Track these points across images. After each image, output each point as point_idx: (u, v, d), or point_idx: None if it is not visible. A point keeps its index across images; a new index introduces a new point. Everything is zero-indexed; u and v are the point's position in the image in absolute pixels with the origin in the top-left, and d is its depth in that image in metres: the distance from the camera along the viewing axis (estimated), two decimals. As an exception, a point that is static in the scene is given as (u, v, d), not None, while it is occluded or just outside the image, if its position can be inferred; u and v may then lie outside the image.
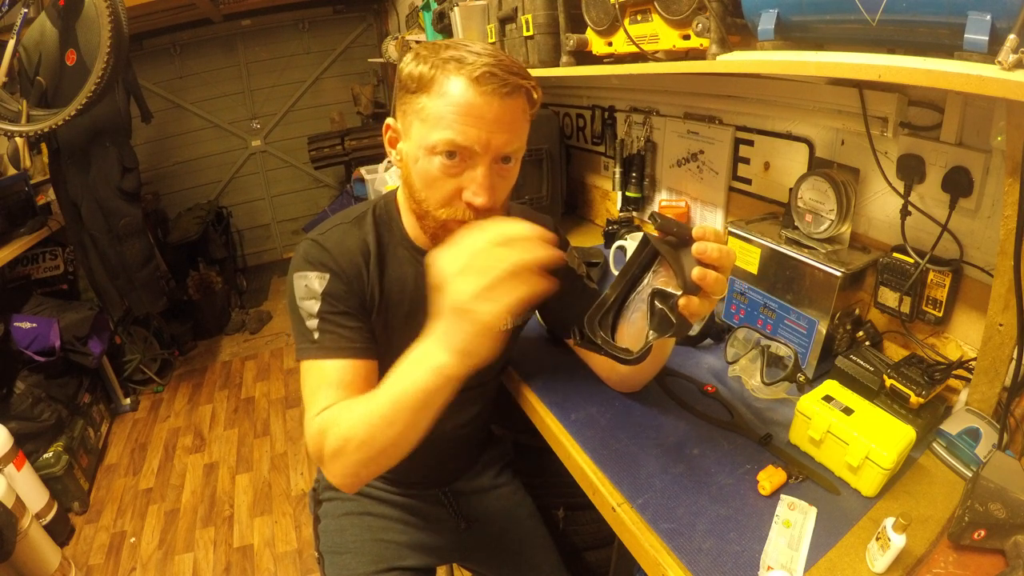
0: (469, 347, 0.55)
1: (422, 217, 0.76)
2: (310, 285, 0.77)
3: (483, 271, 0.52)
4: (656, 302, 0.63)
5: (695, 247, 0.60)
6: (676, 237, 0.62)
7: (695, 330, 1.12)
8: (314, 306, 0.76)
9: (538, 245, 0.54)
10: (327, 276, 0.77)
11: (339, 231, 0.82)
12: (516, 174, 0.77)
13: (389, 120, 0.79)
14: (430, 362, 0.57)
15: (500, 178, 0.73)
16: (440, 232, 0.75)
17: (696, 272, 0.59)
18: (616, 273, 1.46)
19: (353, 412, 0.65)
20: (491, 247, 0.53)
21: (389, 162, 2.16)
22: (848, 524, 0.72)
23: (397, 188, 0.86)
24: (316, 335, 0.76)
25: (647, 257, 0.68)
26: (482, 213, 0.72)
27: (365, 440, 0.63)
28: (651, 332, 0.63)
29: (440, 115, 0.68)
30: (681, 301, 0.60)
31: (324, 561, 0.98)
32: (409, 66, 0.72)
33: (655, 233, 0.66)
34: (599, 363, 0.97)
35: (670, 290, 0.62)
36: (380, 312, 0.82)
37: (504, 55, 0.71)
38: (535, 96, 0.73)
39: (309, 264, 0.78)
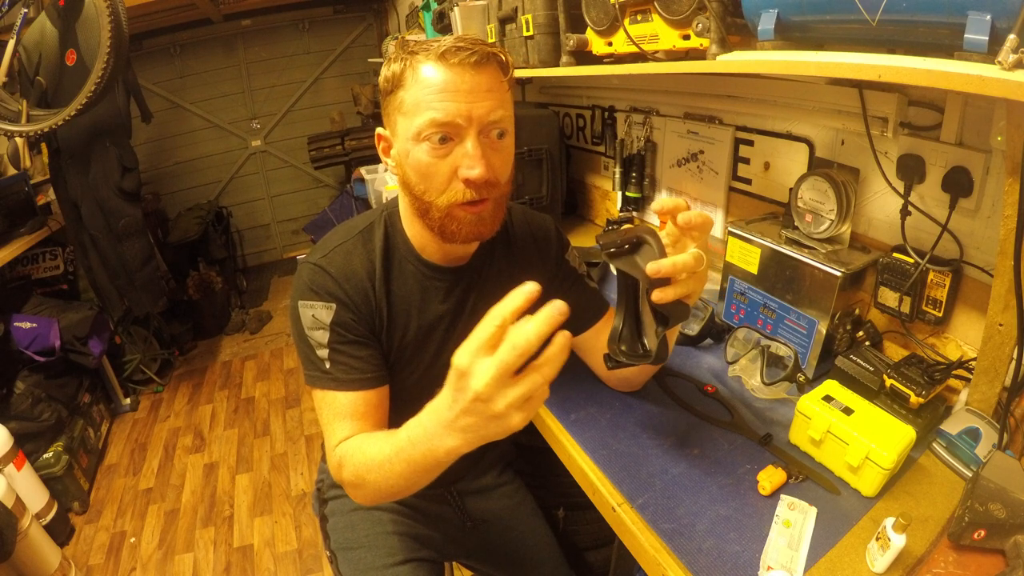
0: (488, 438, 0.54)
1: (425, 213, 0.74)
2: (317, 315, 0.76)
3: (522, 387, 0.49)
4: (649, 300, 0.64)
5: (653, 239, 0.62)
6: (624, 243, 0.64)
7: (694, 330, 1.12)
8: (324, 336, 0.76)
9: (562, 347, 0.49)
10: (333, 306, 0.76)
11: (343, 251, 0.80)
12: (512, 150, 0.76)
13: (379, 130, 0.78)
14: (444, 444, 0.56)
15: (494, 151, 0.72)
16: (447, 222, 0.73)
17: (650, 268, 0.60)
18: (616, 273, 1.46)
19: (366, 455, 0.67)
20: (520, 357, 0.48)
21: (389, 162, 2.16)
22: (848, 524, 0.72)
23: (398, 196, 0.85)
24: (328, 365, 0.76)
25: (623, 273, 0.69)
26: (481, 187, 0.71)
27: (380, 485, 0.66)
28: (658, 328, 0.64)
29: (417, 101, 0.68)
30: (653, 296, 0.61)
31: (337, 559, 0.97)
32: (383, 71, 0.73)
33: (605, 254, 0.67)
34: (599, 363, 0.97)
35: (642, 281, 0.64)
36: (389, 331, 0.82)
37: (467, 35, 0.71)
38: (505, 61, 0.73)
39: (314, 293, 0.77)
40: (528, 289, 0.48)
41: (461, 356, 0.50)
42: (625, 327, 0.70)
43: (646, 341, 0.70)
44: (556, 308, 0.47)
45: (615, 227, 0.65)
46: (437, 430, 0.56)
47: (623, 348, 0.69)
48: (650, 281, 0.61)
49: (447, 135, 0.69)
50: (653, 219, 1.65)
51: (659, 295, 0.61)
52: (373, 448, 0.67)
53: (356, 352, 0.77)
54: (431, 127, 0.68)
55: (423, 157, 0.70)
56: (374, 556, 0.94)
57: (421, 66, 0.68)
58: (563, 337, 0.49)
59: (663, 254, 0.62)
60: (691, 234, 0.67)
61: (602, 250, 0.64)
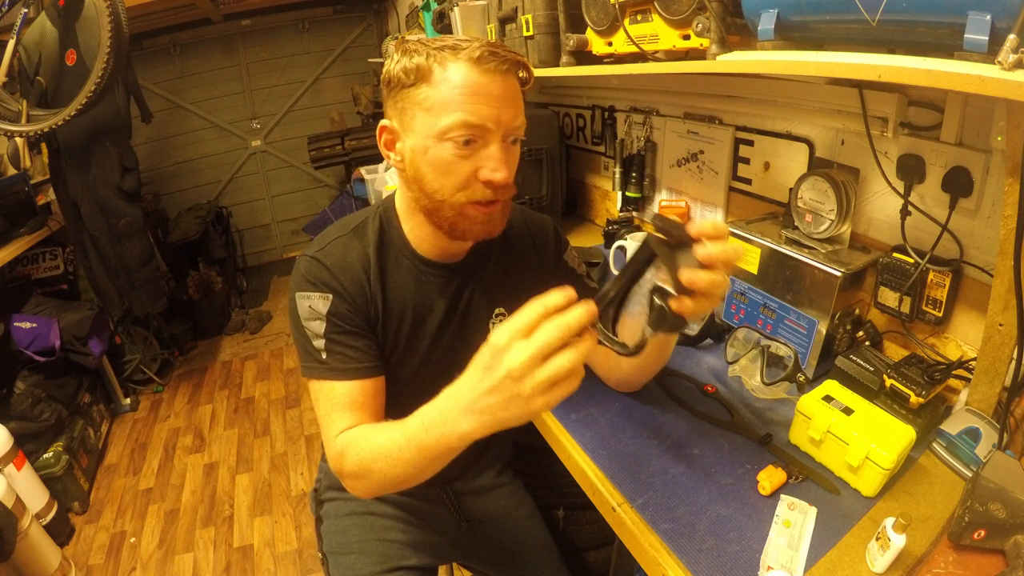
0: (504, 422, 0.55)
1: (435, 211, 0.74)
2: (314, 306, 0.77)
3: (551, 368, 0.52)
4: (655, 298, 0.64)
5: (697, 248, 0.60)
6: (674, 239, 0.63)
7: (694, 330, 1.12)
8: (320, 327, 0.76)
9: (590, 337, 0.54)
10: (330, 297, 0.77)
11: (339, 245, 0.81)
12: (519, 155, 0.77)
13: (383, 122, 0.77)
14: (458, 428, 0.57)
15: (510, 156, 0.73)
16: (459, 220, 0.74)
17: (685, 276, 0.59)
18: (616, 272, 1.47)
19: (372, 444, 0.67)
20: (557, 340, 0.52)
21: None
22: (848, 524, 0.72)
23: (394, 193, 0.85)
24: (324, 355, 0.76)
25: (648, 254, 0.68)
26: (501, 189, 0.72)
27: (387, 474, 0.66)
28: (648, 328, 0.64)
29: (447, 100, 0.68)
30: (673, 303, 0.61)
31: (328, 562, 0.98)
32: (401, 62, 0.71)
33: (655, 232, 0.66)
34: (599, 363, 0.97)
35: (668, 288, 0.63)
36: (384, 324, 0.82)
37: (496, 41, 0.72)
38: (527, 74, 0.74)
39: (311, 284, 0.78)
40: (569, 293, 0.54)
41: (499, 335, 0.53)
42: (611, 306, 0.70)
43: (619, 330, 0.70)
44: (592, 307, 0.53)
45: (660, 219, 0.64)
46: (454, 413, 0.57)
47: (601, 328, 0.69)
48: (678, 285, 0.61)
49: (473, 137, 0.69)
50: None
51: (676, 304, 0.61)
52: (380, 436, 0.67)
53: (352, 342, 0.77)
54: (461, 128, 0.68)
55: (445, 155, 0.70)
56: (363, 563, 0.95)
57: (451, 65, 0.68)
58: (591, 333, 0.54)
59: (700, 267, 0.61)
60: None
61: (657, 230, 0.64)
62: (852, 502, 0.75)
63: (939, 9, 0.59)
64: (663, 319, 0.63)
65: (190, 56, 3.80)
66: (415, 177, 0.74)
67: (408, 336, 0.84)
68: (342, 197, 3.22)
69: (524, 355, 0.51)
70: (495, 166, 0.70)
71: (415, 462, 0.63)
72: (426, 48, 0.70)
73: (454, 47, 0.69)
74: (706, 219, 0.64)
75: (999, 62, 0.53)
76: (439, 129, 0.69)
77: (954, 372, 0.87)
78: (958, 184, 0.85)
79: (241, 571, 1.83)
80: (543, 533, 1.10)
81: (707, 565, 0.67)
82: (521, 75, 0.73)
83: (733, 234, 1.11)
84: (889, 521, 0.63)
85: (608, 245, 1.64)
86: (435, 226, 0.77)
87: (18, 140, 2.27)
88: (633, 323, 0.70)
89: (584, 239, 1.81)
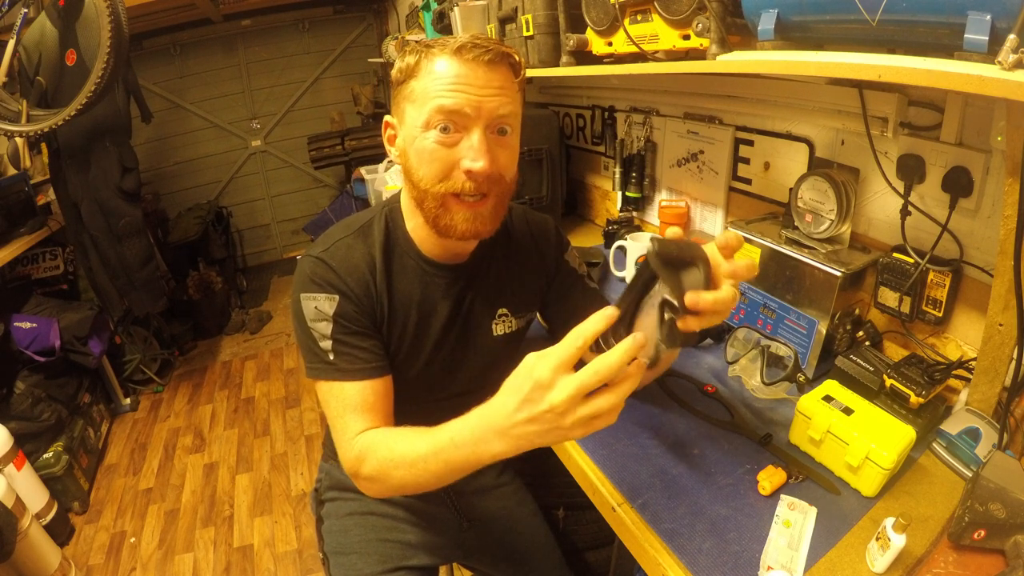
0: (538, 446, 0.56)
1: (421, 201, 0.75)
2: (320, 307, 0.77)
3: (594, 406, 0.53)
4: (665, 313, 0.63)
5: (704, 268, 0.60)
6: (676, 260, 0.63)
7: (695, 330, 1.12)
8: (327, 328, 0.76)
9: (637, 373, 0.54)
10: (336, 297, 0.77)
11: (344, 245, 0.81)
12: (516, 148, 0.76)
13: (387, 117, 0.79)
14: (491, 449, 0.58)
15: (499, 147, 0.72)
16: (441, 213, 0.74)
17: (689, 298, 0.58)
18: (616, 273, 1.47)
19: (394, 452, 0.67)
20: (602, 381, 0.52)
21: (390, 162, 2.16)
22: (848, 524, 0.72)
23: (400, 192, 0.85)
24: (332, 356, 0.76)
25: (652, 272, 0.68)
26: (482, 181, 0.71)
27: (407, 481, 0.66)
28: (661, 345, 0.63)
29: (427, 89, 0.70)
30: (679, 323, 0.61)
31: (329, 562, 0.98)
32: (397, 63, 0.74)
33: (654, 255, 0.66)
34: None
35: (676, 302, 0.62)
36: (390, 325, 0.82)
37: (483, 35, 0.72)
38: (517, 62, 0.74)
39: (316, 285, 0.77)
40: (608, 314, 0.55)
41: (542, 369, 0.53)
42: (622, 325, 0.70)
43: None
44: (636, 341, 0.52)
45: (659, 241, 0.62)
46: (487, 434, 0.57)
47: (615, 344, 0.69)
48: (683, 307, 0.61)
49: (454, 125, 0.70)
50: (654, 219, 1.65)
51: (683, 324, 0.61)
52: (403, 445, 0.66)
53: (360, 343, 0.77)
54: (439, 114, 0.69)
55: (427, 145, 0.71)
56: (364, 563, 0.95)
57: (436, 59, 0.70)
58: (636, 367, 0.54)
59: (708, 286, 0.60)
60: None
61: (656, 251, 0.62)
62: (852, 502, 0.75)
63: (939, 9, 0.59)
64: (674, 337, 0.62)
65: (190, 56, 3.80)
66: (406, 168, 0.76)
67: (413, 336, 0.84)
68: (342, 197, 3.22)
69: (568, 393, 0.51)
70: (475, 155, 0.70)
71: (440, 474, 0.63)
72: (419, 47, 0.72)
73: (443, 43, 0.70)
74: (727, 232, 0.64)
75: (999, 62, 0.53)
76: (423, 120, 0.70)
77: (954, 372, 0.87)
78: (958, 184, 0.85)
79: (241, 571, 1.83)
80: (544, 533, 1.10)
81: (707, 565, 0.67)
82: (511, 64, 0.73)
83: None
84: (889, 521, 0.63)
85: (608, 245, 1.63)
86: (424, 220, 0.77)
87: (18, 140, 2.27)
88: (646, 335, 0.70)
89: (584, 239, 1.81)
